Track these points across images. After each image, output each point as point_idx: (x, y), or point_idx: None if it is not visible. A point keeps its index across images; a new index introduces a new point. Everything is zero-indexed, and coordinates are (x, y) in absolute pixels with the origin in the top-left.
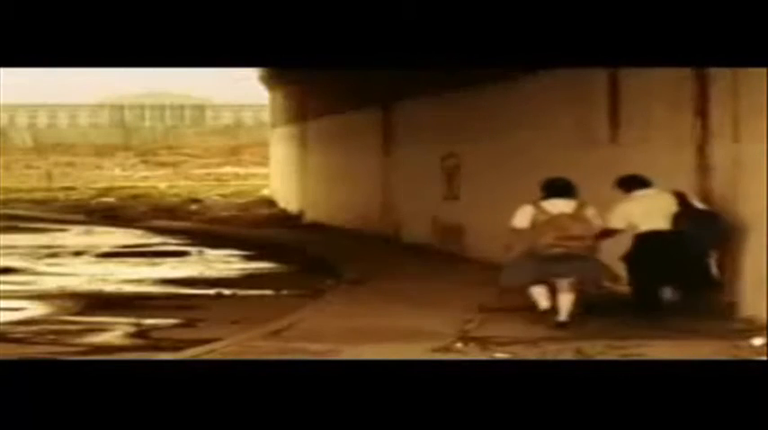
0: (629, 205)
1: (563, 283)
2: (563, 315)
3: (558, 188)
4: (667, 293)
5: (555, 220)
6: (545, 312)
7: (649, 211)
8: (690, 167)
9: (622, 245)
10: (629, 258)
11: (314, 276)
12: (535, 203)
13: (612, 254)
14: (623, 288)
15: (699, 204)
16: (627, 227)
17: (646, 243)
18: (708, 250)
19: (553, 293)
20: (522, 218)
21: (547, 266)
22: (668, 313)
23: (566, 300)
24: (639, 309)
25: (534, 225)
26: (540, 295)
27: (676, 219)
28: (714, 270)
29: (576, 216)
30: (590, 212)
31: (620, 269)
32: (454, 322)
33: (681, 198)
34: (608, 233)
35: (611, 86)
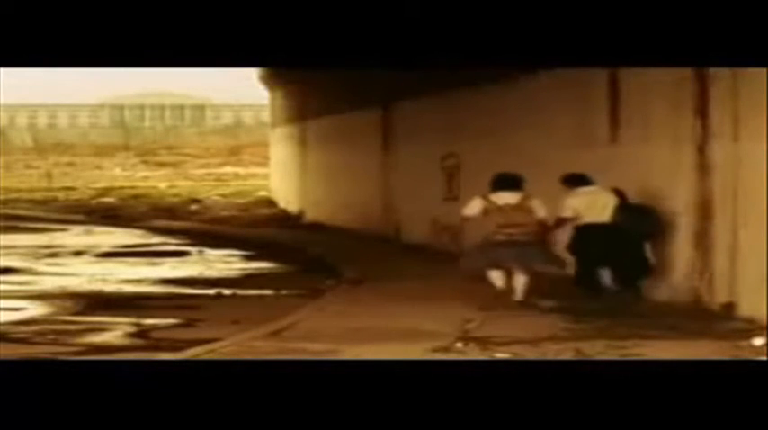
0: (575, 199)
1: (516, 267)
2: (518, 295)
3: (505, 182)
4: (606, 279)
5: (499, 210)
6: (502, 293)
7: (592, 205)
8: (690, 167)
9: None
10: (572, 247)
11: (314, 276)
12: (484, 196)
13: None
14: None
15: (635, 201)
16: (574, 215)
17: (586, 233)
18: (643, 240)
19: (509, 276)
20: (472, 208)
21: (494, 252)
22: (612, 297)
23: (519, 282)
24: (582, 290)
25: (484, 215)
26: (496, 278)
27: (615, 212)
28: (650, 257)
29: (520, 206)
30: (534, 203)
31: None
32: (454, 322)
33: (619, 195)
34: (560, 222)
35: (611, 86)
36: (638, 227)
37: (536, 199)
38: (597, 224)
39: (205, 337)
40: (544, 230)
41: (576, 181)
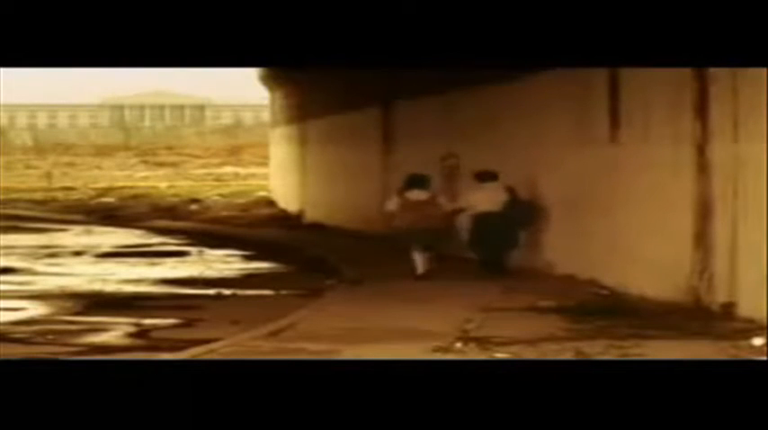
0: (470, 194)
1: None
2: (419, 270)
3: (416, 182)
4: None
5: (413, 205)
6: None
7: (487, 198)
8: (689, 166)
9: None
10: (470, 228)
11: (314, 276)
12: (399, 194)
13: None
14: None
15: (522, 195)
16: (467, 205)
17: (478, 218)
18: (519, 225)
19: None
20: (391, 203)
21: (412, 237)
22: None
23: (420, 260)
24: (481, 267)
25: (401, 209)
26: (418, 261)
27: (505, 204)
28: (520, 238)
29: (429, 201)
30: (440, 199)
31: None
32: (454, 322)
33: (510, 191)
34: (457, 210)
35: (611, 86)
36: (518, 215)
37: (441, 196)
38: (488, 212)
39: (205, 337)
40: (450, 219)
41: (483, 177)
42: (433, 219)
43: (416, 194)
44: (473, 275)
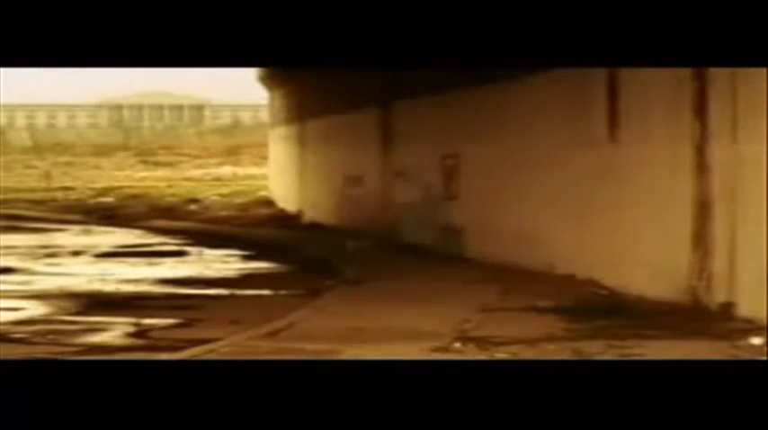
0: (391, 190)
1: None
2: (350, 248)
3: (354, 181)
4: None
5: (351, 199)
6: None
7: (402, 193)
8: (689, 167)
9: None
10: (389, 219)
11: (313, 276)
12: (341, 191)
13: None
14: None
15: (432, 192)
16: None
17: (397, 210)
18: (431, 215)
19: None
20: (336, 198)
21: (349, 224)
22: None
23: (352, 244)
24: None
25: (342, 203)
26: (350, 243)
27: (416, 198)
28: (430, 225)
29: (363, 196)
30: (371, 195)
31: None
32: (453, 322)
33: (425, 188)
34: (383, 206)
35: (611, 86)
36: (428, 207)
37: (372, 192)
38: (403, 203)
39: (204, 337)
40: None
41: (400, 176)
42: (364, 210)
43: (353, 191)
44: (399, 256)
